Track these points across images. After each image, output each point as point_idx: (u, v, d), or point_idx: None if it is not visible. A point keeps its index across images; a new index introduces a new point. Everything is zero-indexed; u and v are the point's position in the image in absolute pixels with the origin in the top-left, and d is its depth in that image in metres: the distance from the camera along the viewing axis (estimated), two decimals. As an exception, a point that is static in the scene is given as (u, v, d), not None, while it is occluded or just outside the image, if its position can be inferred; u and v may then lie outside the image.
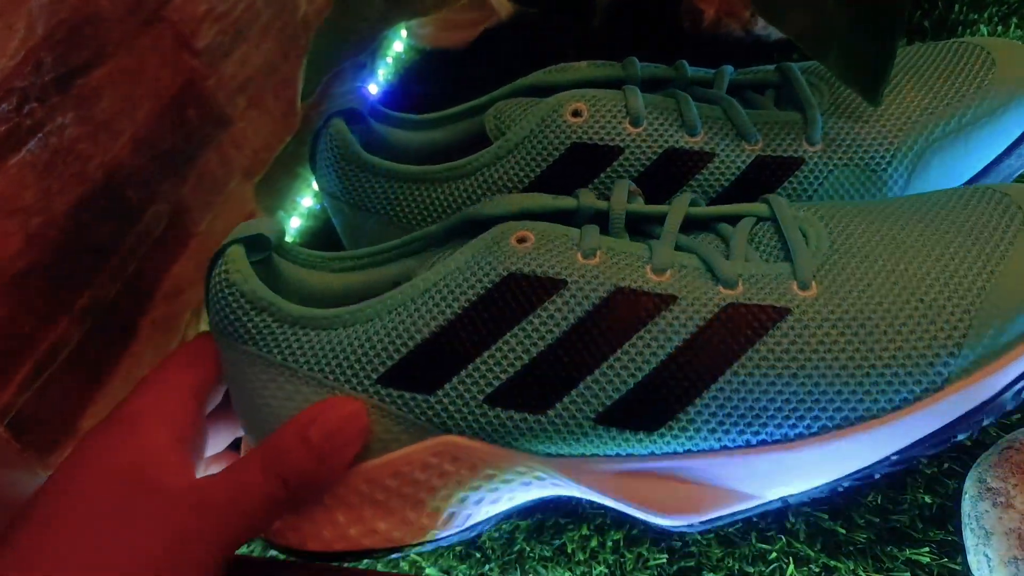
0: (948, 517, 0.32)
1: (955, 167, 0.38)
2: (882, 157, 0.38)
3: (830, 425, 0.28)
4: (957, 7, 0.51)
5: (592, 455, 0.30)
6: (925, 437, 0.29)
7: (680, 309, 0.29)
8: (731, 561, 0.32)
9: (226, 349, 0.32)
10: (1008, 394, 0.29)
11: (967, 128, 0.38)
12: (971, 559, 0.30)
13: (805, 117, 0.39)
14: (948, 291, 0.29)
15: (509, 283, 0.29)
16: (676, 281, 0.29)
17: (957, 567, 0.31)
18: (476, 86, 0.45)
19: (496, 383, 0.29)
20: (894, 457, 0.29)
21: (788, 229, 0.31)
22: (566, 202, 0.32)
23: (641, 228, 0.33)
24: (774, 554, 0.32)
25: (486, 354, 0.29)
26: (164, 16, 0.48)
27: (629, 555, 0.33)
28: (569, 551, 0.34)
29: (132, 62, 0.46)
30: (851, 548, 0.32)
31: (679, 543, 0.33)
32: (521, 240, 0.30)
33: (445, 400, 0.30)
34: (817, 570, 0.31)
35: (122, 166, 0.45)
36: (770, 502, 0.30)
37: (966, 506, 0.31)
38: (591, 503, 0.35)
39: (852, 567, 0.31)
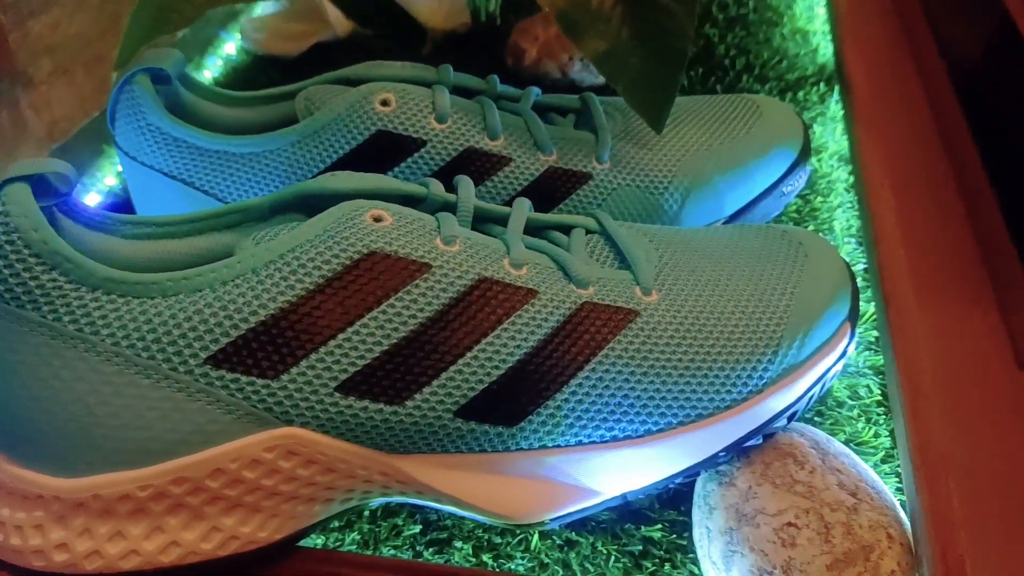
0: (681, 501, 0.34)
1: (723, 200, 0.43)
2: (660, 182, 0.42)
3: (674, 422, 0.31)
4: (745, 78, 0.58)
5: (448, 453, 0.30)
6: (746, 434, 0.32)
7: (541, 304, 0.30)
8: (481, 532, 0.33)
9: None
10: (802, 402, 0.33)
11: (736, 165, 0.42)
12: (695, 532, 0.32)
13: (597, 138, 0.42)
14: (762, 307, 0.33)
15: (370, 262, 0.28)
16: (534, 276, 0.30)
17: (683, 542, 0.33)
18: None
19: (351, 369, 0.28)
20: (722, 454, 0.32)
21: (622, 240, 0.33)
22: (415, 189, 0.32)
23: (481, 228, 0.33)
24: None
25: (341, 337, 0.27)
26: (-29, -42, 0.46)
27: (384, 524, 0.34)
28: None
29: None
30: (593, 524, 0.33)
31: (434, 516, 0.34)
32: (377, 219, 0.29)
33: (291, 386, 0.27)
34: (560, 543, 0.33)
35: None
36: (613, 498, 0.32)
37: (698, 486, 0.33)
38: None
39: (592, 541, 0.33)
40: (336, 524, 0.34)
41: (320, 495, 0.29)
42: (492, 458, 0.30)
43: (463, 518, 0.34)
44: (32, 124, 0.51)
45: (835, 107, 0.54)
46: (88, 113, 0.56)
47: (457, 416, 0.29)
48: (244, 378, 0.27)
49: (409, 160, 0.39)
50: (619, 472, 0.31)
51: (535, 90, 0.44)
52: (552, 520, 0.31)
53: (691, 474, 0.32)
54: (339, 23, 0.68)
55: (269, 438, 0.28)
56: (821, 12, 0.65)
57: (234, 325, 0.27)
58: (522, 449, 0.30)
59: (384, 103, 0.39)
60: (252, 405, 0.27)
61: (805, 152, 0.44)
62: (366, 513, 0.34)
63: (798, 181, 0.44)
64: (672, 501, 0.34)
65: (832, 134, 0.52)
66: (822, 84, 0.56)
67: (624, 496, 0.32)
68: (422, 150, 0.39)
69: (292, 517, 0.29)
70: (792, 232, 0.37)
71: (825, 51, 0.60)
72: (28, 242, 0.26)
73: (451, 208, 0.33)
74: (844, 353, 0.35)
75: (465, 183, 0.34)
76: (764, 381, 0.32)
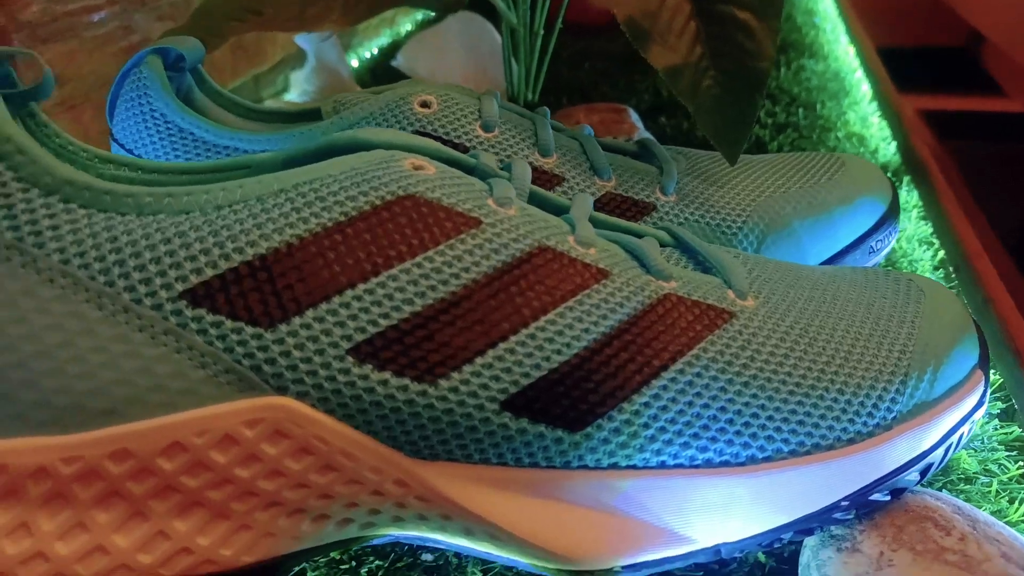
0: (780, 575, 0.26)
1: (804, 249, 0.37)
2: (732, 221, 0.36)
3: (785, 449, 0.24)
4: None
5: (488, 463, 0.22)
6: (873, 483, 0.25)
7: (615, 287, 0.23)
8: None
9: None
10: (937, 453, 0.26)
11: (818, 212, 0.37)
12: (811, 610, 0.24)
13: (662, 171, 0.37)
14: (880, 331, 0.27)
15: (407, 204, 0.22)
16: (605, 259, 0.24)
17: (792, 624, 0.24)
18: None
19: (372, 330, 0.21)
20: (844, 503, 0.25)
21: (705, 249, 0.27)
22: (462, 157, 0.26)
23: None
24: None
25: (363, 287, 0.21)
26: (-10, -38, 0.43)
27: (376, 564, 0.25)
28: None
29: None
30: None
31: (454, 559, 0.26)
32: (417, 167, 0.23)
33: (290, 340, 0.20)
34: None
35: None
36: (704, 549, 0.24)
37: (806, 556, 0.25)
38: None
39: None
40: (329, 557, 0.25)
41: (312, 506, 0.21)
42: (547, 476, 0.22)
43: (498, 565, 0.25)
44: (26, 152, 0.47)
45: (906, 197, 0.50)
46: (90, 158, 0.52)
47: (505, 409, 0.22)
48: (229, 322, 0.20)
49: (448, 168, 0.34)
50: (713, 512, 0.23)
51: (589, 127, 0.40)
52: (624, 568, 0.23)
53: (803, 529, 0.24)
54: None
55: (253, 407, 0.20)
56: (875, 120, 0.62)
57: (225, 255, 0.21)
58: (586, 467, 0.23)
59: (424, 104, 0.35)
60: (236, 359, 0.20)
61: (894, 209, 0.39)
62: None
63: (888, 238, 0.39)
64: (771, 574, 0.26)
65: (908, 220, 0.47)
66: (888, 175, 0.52)
67: (718, 549, 0.24)
68: (464, 158, 0.34)
69: (270, 534, 0.21)
70: (898, 272, 0.31)
71: (885, 152, 0.56)
72: (-30, 120, 0.20)
73: None
74: (982, 402, 0.28)
75: (521, 164, 0.28)
76: (893, 415, 0.25)
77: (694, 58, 0.35)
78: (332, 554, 0.26)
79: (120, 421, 0.20)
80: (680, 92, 0.35)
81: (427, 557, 0.26)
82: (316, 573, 0.26)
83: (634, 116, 0.58)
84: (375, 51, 0.87)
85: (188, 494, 0.20)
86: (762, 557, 0.26)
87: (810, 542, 0.26)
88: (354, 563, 0.26)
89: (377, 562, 0.26)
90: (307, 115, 0.39)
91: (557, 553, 0.22)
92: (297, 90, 0.69)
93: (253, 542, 0.21)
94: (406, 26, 0.96)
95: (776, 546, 0.25)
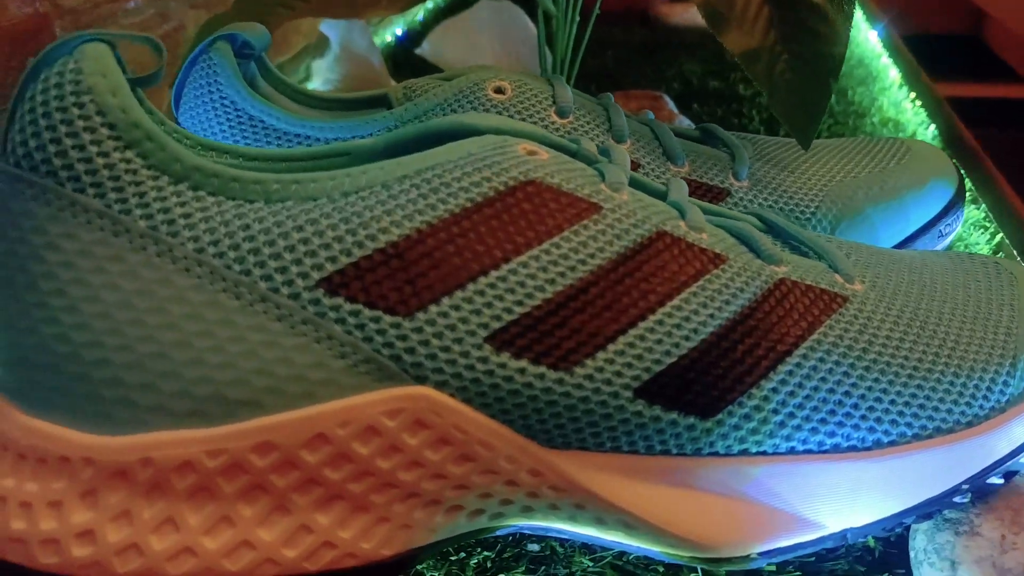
0: (891, 564, 0.26)
1: (877, 234, 0.37)
2: (806, 207, 0.36)
3: (909, 433, 0.24)
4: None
5: (619, 451, 0.22)
6: (992, 465, 0.25)
7: (733, 272, 0.23)
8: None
9: (14, 198, 0.20)
10: None
11: (890, 197, 0.37)
12: (936, 594, 0.24)
13: (733, 155, 0.37)
14: (983, 313, 0.27)
15: (530, 189, 0.22)
16: (717, 244, 0.24)
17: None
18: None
19: (507, 317, 0.21)
20: (964, 487, 0.25)
21: (802, 234, 0.27)
22: (565, 143, 0.25)
23: None
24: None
25: (495, 274, 0.21)
26: (35, -53, 0.42)
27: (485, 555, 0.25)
28: None
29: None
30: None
31: (561, 548, 0.25)
32: (531, 153, 0.23)
33: (428, 329, 0.20)
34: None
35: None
36: (832, 535, 0.24)
37: (919, 542, 0.25)
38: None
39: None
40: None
41: (447, 496, 0.21)
42: (677, 463, 0.22)
43: (608, 553, 0.25)
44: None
45: (952, 181, 0.50)
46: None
47: (638, 396, 0.21)
48: (367, 311, 0.20)
49: (525, 155, 0.33)
50: (842, 497, 0.23)
51: (650, 112, 0.39)
52: (760, 555, 0.23)
53: (924, 513, 0.24)
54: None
55: (394, 397, 0.20)
56: (908, 106, 0.62)
57: (358, 243, 0.20)
58: (717, 454, 0.22)
59: (499, 90, 0.34)
60: (375, 349, 0.20)
61: (960, 193, 0.39)
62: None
63: (956, 223, 0.39)
64: (879, 564, 0.26)
65: (958, 204, 0.47)
66: (933, 160, 0.52)
67: (844, 534, 0.23)
68: (540, 145, 0.34)
69: (406, 526, 0.21)
70: (981, 256, 0.31)
71: (923, 137, 0.56)
72: (103, 107, 0.20)
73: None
74: (1081, 386, 0.28)
75: (619, 149, 0.28)
76: (1007, 398, 0.25)
77: (769, 42, 0.35)
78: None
79: (261, 412, 0.19)
80: (755, 76, 0.35)
81: (533, 547, 0.26)
82: (425, 565, 0.25)
83: (671, 103, 0.58)
84: (388, 39, 0.86)
85: (330, 487, 0.20)
86: (871, 542, 0.26)
87: (922, 526, 0.26)
88: (463, 554, 0.26)
89: (485, 553, 0.26)
90: (370, 102, 0.38)
91: (693, 540, 0.22)
92: (320, 79, 0.68)
93: (391, 534, 0.21)
94: (419, 13, 0.95)
95: (896, 530, 0.24)
